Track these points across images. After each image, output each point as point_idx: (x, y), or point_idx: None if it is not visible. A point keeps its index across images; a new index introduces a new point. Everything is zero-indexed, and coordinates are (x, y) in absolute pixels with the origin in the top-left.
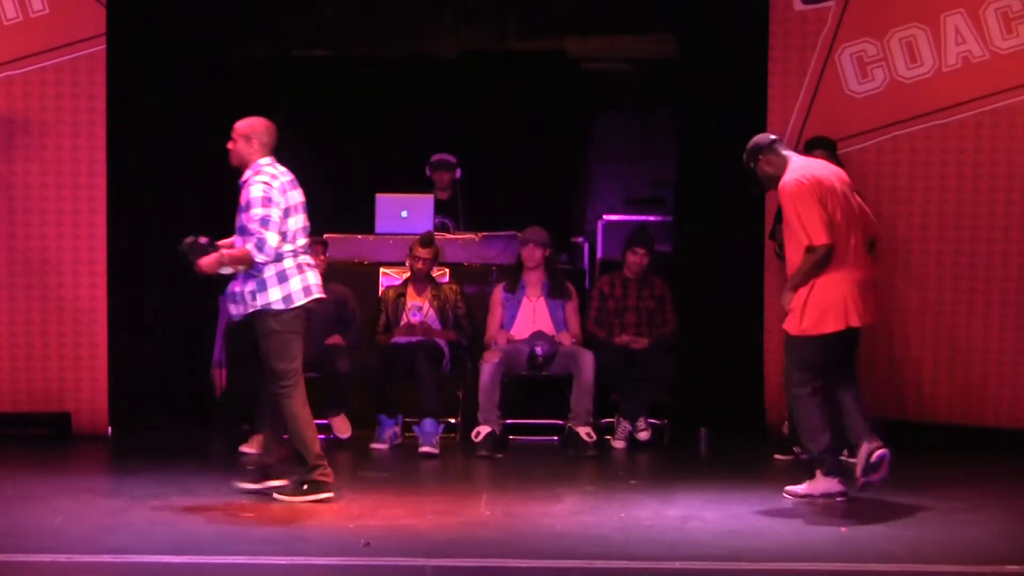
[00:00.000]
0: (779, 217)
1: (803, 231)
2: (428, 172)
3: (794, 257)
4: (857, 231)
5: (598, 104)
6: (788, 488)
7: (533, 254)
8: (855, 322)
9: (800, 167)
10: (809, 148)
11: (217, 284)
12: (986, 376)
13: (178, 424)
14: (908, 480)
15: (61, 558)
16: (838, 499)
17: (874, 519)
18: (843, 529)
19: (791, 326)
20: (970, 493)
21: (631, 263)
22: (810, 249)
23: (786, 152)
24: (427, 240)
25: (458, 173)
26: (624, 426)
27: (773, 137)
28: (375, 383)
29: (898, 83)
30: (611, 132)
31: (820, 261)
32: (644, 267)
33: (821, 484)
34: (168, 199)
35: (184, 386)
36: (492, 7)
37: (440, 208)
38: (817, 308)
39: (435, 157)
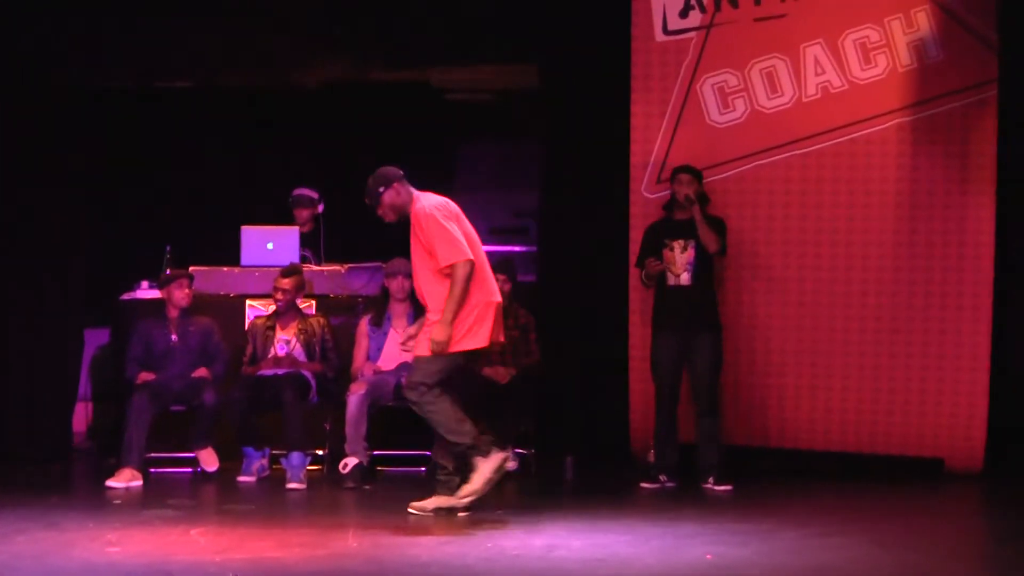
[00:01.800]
0: (647, 246)
1: (440, 250)
2: (291, 206)
3: (432, 286)
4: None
5: (461, 134)
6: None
7: (402, 285)
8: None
9: (428, 196)
10: (675, 174)
11: (83, 318)
12: (846, 401)
13: (43, 458)
14: (771, 507)
15: None
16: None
17: (739, 547)
18: (708, 556)
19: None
20: (832, 519)
21: None
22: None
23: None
24: (288, 271)
25: (320, 208)
26: None
27: (401, 172)
28: (241, 415)
29: (759, 113)
30: (474, 162)
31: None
32: (506, 294)
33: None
34: (30, 228)
35: (49, 419)
36: (355, 39)
37: (303, 241)
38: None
39: (295, 192)
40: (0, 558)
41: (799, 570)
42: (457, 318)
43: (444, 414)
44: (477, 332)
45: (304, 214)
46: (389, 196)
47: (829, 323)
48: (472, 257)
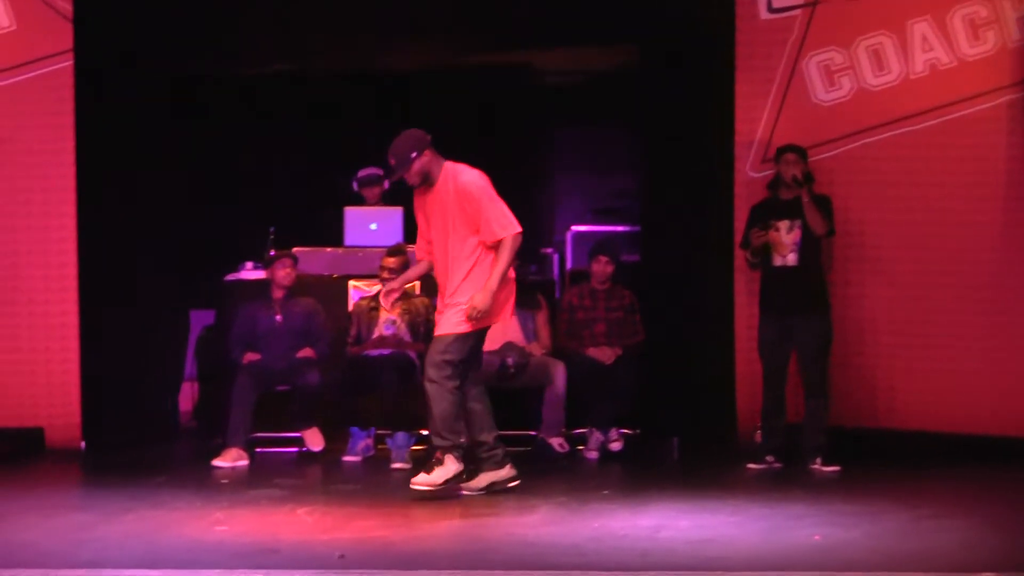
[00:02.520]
0: (752, 225)
1: (495, 223)
2: (356, 188)
3: (461, 262)
4: None
5: (561, 116)
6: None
7: None
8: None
9: (466, 167)
10: (781, 154)
11: (190, 297)
12: (955, 382)
13: (150, 438)
14: (880, 488)
15: (35, 573)
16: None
17: (846, 528)
18: (816, 537)
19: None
20: (943, 501)
21: (596, 272)
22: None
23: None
24: (395, 250)
25: (386, 185)
26: (596, 436)
27: (429, 137)
28: (346, 395)
29: (865, 91)
30: (575, 143)
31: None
32: (608, 275)
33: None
34: (137, 214)
35: (156, 400)
36: (455, 21)
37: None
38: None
39: (362, 173)
40: (109, 537)
41: (908, 553)
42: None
43: (454, 405)
44: (504, 308)
45: (375, 193)
46: (421, 162)
47: (938, 304)
48: (520, 229)
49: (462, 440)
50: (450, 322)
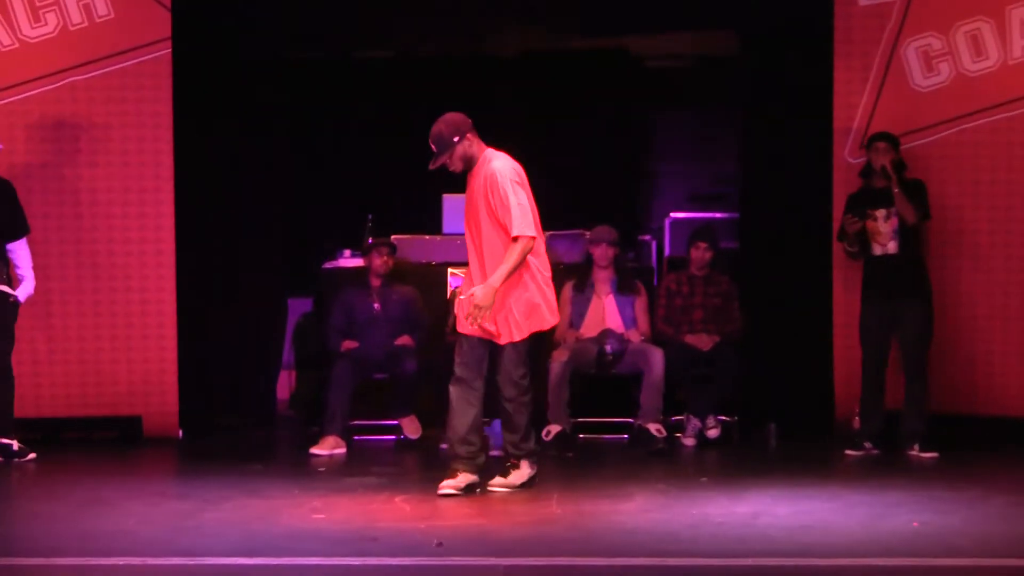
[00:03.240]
0: (849, 213)
1: (513, 220)
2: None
3: (495, 247)
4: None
5: (659, 101)
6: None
7: (605, 253)
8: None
9: (501, 156)
10: (872, 142)
11: (288, 285)
12: None
13: (247, 426)
14: (978, 474)
15: (134, 561)
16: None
17: (945, 514)
18: (915, 524)
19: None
20: None
21: (694, 258)
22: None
23: None
24: None
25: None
26: (693, 423)
27: (470, 121)
28: (444, 383)
29: (963, 76)
30: (672, 129)
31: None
32: (707, 262)
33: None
34: (234, 201)
35: (253, 388)
36: (553, 6)
37: None
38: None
39: None
40: (207, 525)
41: (1009, 538)
42: (534, 296)
43: (530, 416)
44: (551, 308)
45: None
46: (463, 147)
47: None
48: (536, 235)
49: (534, 446)
50: (506, 333)
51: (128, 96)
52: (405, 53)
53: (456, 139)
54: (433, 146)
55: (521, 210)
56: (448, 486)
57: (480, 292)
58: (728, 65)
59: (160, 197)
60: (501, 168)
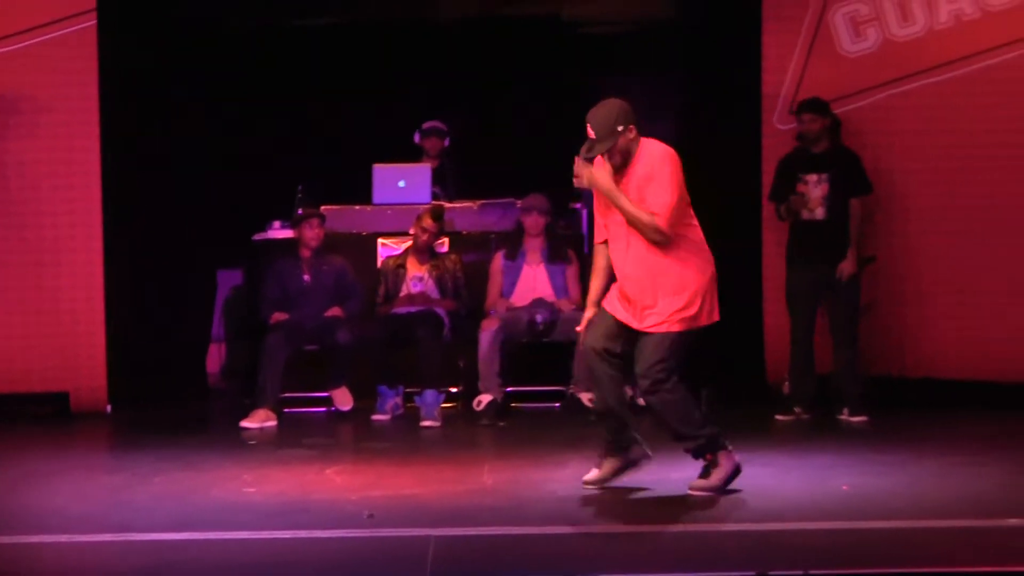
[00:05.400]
0: (780, 179)
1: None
2: (418, 139)
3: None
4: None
5: (595, 68)
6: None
7: (537, 221)
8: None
9: (659, 142)
10: (799, 113)
11: (216, 259)
12: (989, 330)
13: (177, 400)
14: (909, 437)
15: (63, 538)
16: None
17: (877, 477)
18: (845, 487)
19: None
20: (972, 447)
21: None
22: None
23: None
24: (437, 214)
25: (446, 141)
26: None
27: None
28: (375, 354)
29: (891, 42)
30: (607, 95)
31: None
32: None
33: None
34: (163, 171)
35: (183, 361)
36: None
37: (432, 178)
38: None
39: (426, 124)
40: (140, 499)
41: (940, 499)
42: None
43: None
44: (715, 306)
45: (436, 145)
46: (627, 138)
47: (969, 251)
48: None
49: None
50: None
51: (55, 67)
52: (337, 21)
53: (621, 128)
54: (592, 132)
55: (674, 200)
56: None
57: (601, 175)
58: (662, 31)
59: (87, 169)
60: (672, 153)
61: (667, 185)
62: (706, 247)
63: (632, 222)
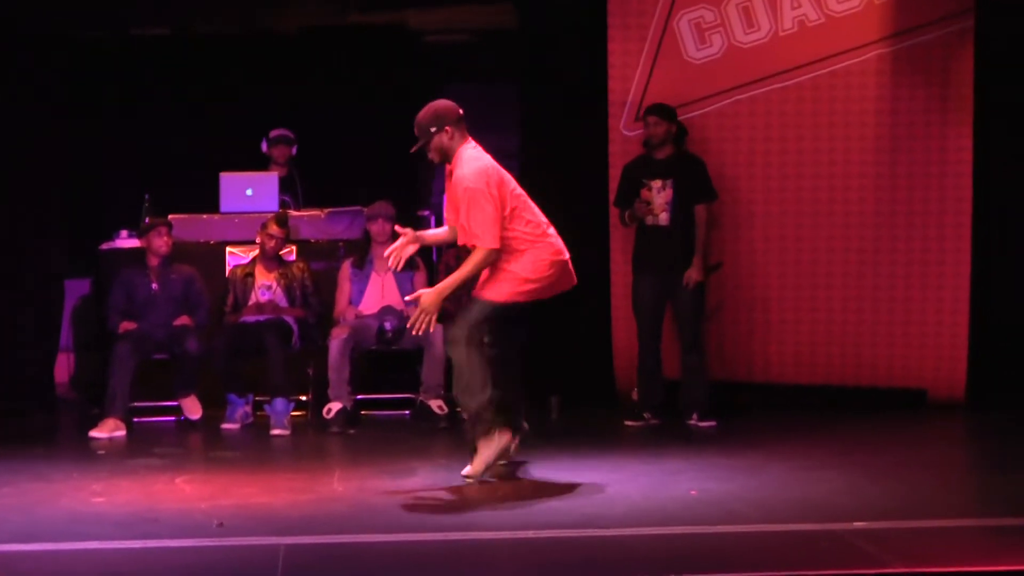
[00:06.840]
0: (625, 185)
1: (476, 229)
2: (265, 148)
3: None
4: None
5: (440, 76)
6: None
7: (383, 228)
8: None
9: (478, 158)
10: (645, 116)
11: (64, 267)
12: (830, 334)
13: (25, 410)
14: (756, 442)
15: None
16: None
17: (725, 482)
18: (693, 492)
19: None
20: (817, 452)
21: None
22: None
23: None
24: (282, 220)
25: (294, 150)
26: None
27: (459, 113)
28: (224, 363)
29: (736, 48)
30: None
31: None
32: None
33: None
34: (9, 182)
35: (31, 371)
36: None
37: (280, 186)
38: None
39: (274, 132)
40: None
41: (786, 503)
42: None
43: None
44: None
45: (284, 153)
46: (440, 139)
47: (812, 256)
48: (497, 247)
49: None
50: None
51: None
52: (182, 30)
53: (434, 129)
54: (415, 130)
55: (483, 222)
56: None
57: (427, 297)
58: (508, 39)
59: None
60: (470, 176)
61: (474, 213)
62: (540, 241)
63: (476, 273)
